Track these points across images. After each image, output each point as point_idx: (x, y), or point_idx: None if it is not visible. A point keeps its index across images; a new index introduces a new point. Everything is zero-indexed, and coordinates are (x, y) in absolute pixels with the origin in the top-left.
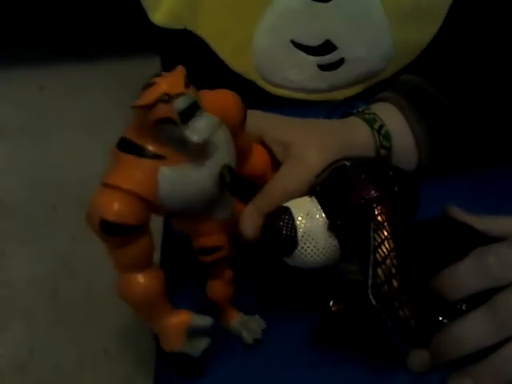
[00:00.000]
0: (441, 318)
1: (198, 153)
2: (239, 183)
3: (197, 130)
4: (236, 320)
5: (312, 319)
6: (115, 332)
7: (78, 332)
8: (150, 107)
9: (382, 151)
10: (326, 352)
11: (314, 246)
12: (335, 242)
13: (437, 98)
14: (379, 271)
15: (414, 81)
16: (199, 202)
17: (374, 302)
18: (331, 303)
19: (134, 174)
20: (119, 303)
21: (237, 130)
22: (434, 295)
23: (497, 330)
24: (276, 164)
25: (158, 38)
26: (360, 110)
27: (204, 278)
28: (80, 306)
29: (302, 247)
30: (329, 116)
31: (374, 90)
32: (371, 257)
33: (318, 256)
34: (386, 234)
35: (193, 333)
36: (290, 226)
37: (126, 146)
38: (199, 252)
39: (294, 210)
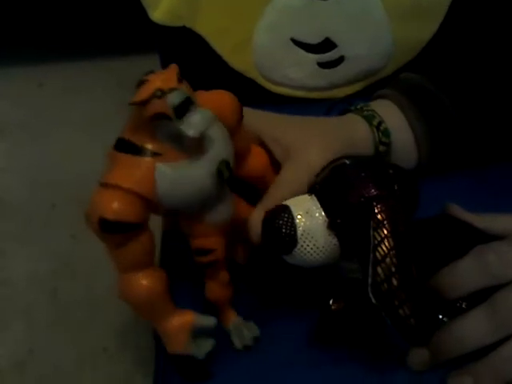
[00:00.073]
0: (441, 317)
1: (195, 149)
2: (241, 186)
3: (192, 125)
4: (232, 323)
5: (312, 318)
6: (115, 331)
7: (77, 331)
8: (144, 103)
9: (381, 147)
10: (326, 350)
11: (314, 245)
12: (335, 241)
13: (436, 96)
14: (379, 270)
15: (414, 78)
16: (197, 199)
17: (373, 300)
18: (331, 302)
19: (132, 172)
20: (119, 302)
21: (233, 130)
22: (434, 293)
23: (497, 329)
24: (275, 165)
25: (158, 36)
26: (359, 107)
27: (203, 278)
28: (80, 306)
29: (302, 245)
30: (327, 114)
31: (374, 87)
32: (371, 255)
33: (318, 254)
34: (385, 232)
35: (197, 333)
36: (289, 224)
37: (124, 145)
38: (195, 253)
39: (293, 209)
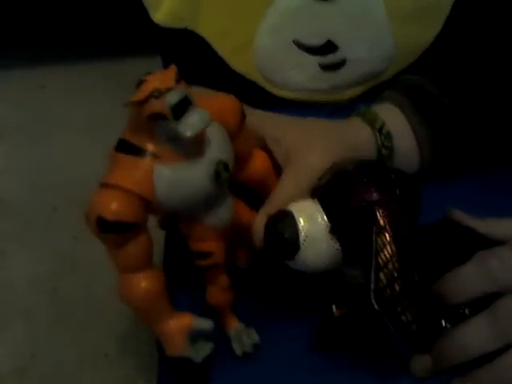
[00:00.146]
0: (443, 322)
1: (193, 150)
2: (242, 190)
3: (189, 125)
4: (233, 329)
5: (314, 323)
6: (116, 336)
7: (78, 333)
8: (142, 103)
9: (384, 151)
10: (328, 356)
11: (316, 250)
12: (337, 246)
13: (438, 99)
14: (381, 275)
15: (415, 81)
16: (195, 200)
17: (376, 306)
18: (333, 307)
19: (131, 173)
20: (120, 304)
21: (235, 133)
22: (437, 299)
23: (499, 336)
24: (277, 169)
25: (159, 38)
26: (361, 110)
27: (204, 283)
28: (80, 307)
29: (304, 251)
30: (330, 116)
31: (375, 90)
32: (373, 261)
33: (320, 259)
34: (387, 237)
35: (195, 336)
36: (292, 229)
37: (124, 146)
38: (195, 256)
39: (296, 214)
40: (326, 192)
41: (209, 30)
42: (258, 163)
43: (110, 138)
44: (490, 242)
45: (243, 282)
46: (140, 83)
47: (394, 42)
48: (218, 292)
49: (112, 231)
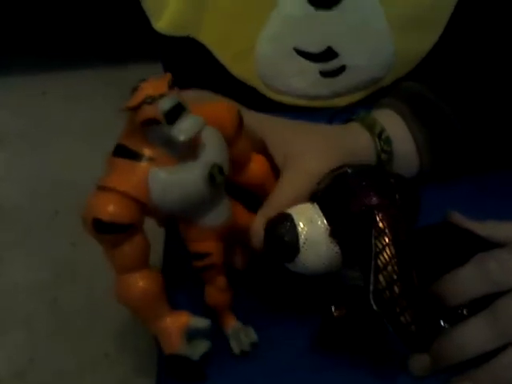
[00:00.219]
0: (442, 323)
1: (187, 153)
2: (241, 193)
3: (182, 130)
4: (230, 328)
5: (314, 324)
6: (115, 337)
7: (78, 340)
8: (135, 109)
9: (383, 156)
10: (327, 356)
11: (316, 253)
12: (337, 249)
13: (437, 105)
14: (380, 277)
15: (415, 87)
16: (190, 203)
17: (375, 307)
18: (333, 308)
19: (128, 176)
20: (120, 309)
21: (232, 139)
22: (436, 300)
23: (497, 336)
24: (276, 171)
25: (161, 46)
26: (360, 115)
27: (203, 282)
28: (80, 314)
29: (304, 253)
30: (330, 122)
31: (375, 96)
32: (372, 263)
33: (320, 262)
34: (387, 240)
35: (192, 335)
36: (291, 232)
37: (120, 151)
38: (192, 256)
39: (295, 217)
40: (325, 196)
41: (210, 37)
42: (256, 167)
43: (110, 144)
44: (488, 245)
45: (242, 283)
46: (134, 90)
47: (394, 49)
48: (216, 292)
49: (108, 232)
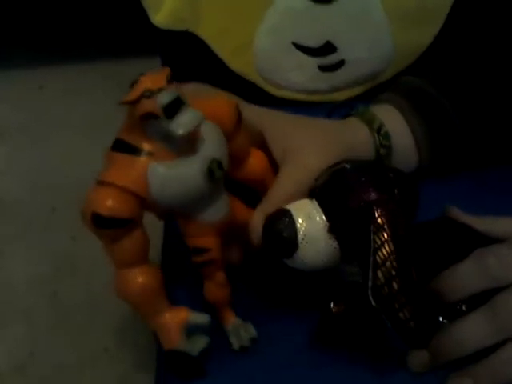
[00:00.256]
0: (441, 319)
1: (186, 148)
2: (240, 188)
3: (181, 124)
4: (230, 324)
5: (312, 320)
6: (115, 331)
7: (78, 334)
8: (134, 103)
9: (382, 150)
10: (326, 352)
11: (315, 249)
12: (335, 244)
13: (437, 100)
14: (379, 273)
15: (414, 82)
16: (189, 197)
17: (373, 303)
18: (331, 304)
19: (127, 171)
20: (119, 303)
21: (231, 134)
22: (434, 296)
23: (496, 331)
24: (274, 166)
25: (159, 40)
26: (359, 110)
27: (202, 278)
28: (80, 308)
29: (303, 249)
30: (328, 117)
31: (374, 91)
32: (371, 259)
33: (319, 258)
34: (385, 236)
35: (191, 330)
36: (290, 228)
37: (119, 145)
38: (191, 252)
39: (294, 213)
40: (324, 192)
41: (208, 31)
42: (255, 162)
43: (110, 138)
44: (487, 240)
45: (241, 279)
46: (133, 83)
47: (393, 43)
48: (215, 288)
49: (107, 227)
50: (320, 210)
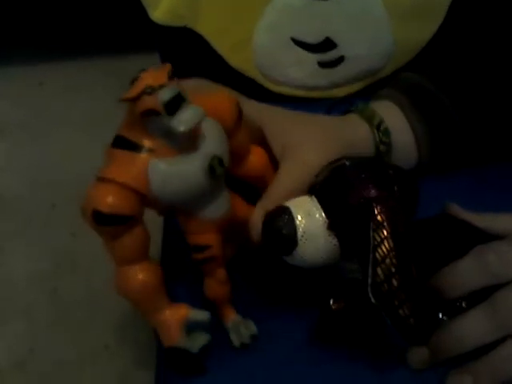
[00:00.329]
0: (441, 316)
1: (187, 145)
2: (240, 185)
3: (182, 121)
4: (230, 321)
5: (312, 317)
6: (116, 328)
7: (78, 331)
8: (135, 100)
9: (382, 147)
10: (326, 349)
11: (314, 246)
12: (335, 241)
13: (437, 96)
14: (379, 270)
15: (414, 78)
16: (190, 194)
17: (373, 300)
18: (331, 301)
19: (128, 168)
20: (119, 300)
21: (232, 131)
22: (434, 293)
23: (496, 328)
24: (274, 163)
25: (158, 36)
26: (359, 107)
27: (203, 275)
28: (80, 304)
29: (302, 246)
30: (328, 113)
31: (374, 87)
32: (371, 256)
33: (318, 255)
34: (385, 233)
35: (191, 327)
36: (289, 225)
37: (120, 142)
38: (192, 249)
39: (293, 210)
40: (323, 188)
41: (207, 27)
42: (255, 159)
43: (110, 134)
44: (487, 237)
45: (241, 276)
46: (134, 80)
47: (393, 39)
48: (216, 285)
49: (107, 224)
50: (319, 206)
